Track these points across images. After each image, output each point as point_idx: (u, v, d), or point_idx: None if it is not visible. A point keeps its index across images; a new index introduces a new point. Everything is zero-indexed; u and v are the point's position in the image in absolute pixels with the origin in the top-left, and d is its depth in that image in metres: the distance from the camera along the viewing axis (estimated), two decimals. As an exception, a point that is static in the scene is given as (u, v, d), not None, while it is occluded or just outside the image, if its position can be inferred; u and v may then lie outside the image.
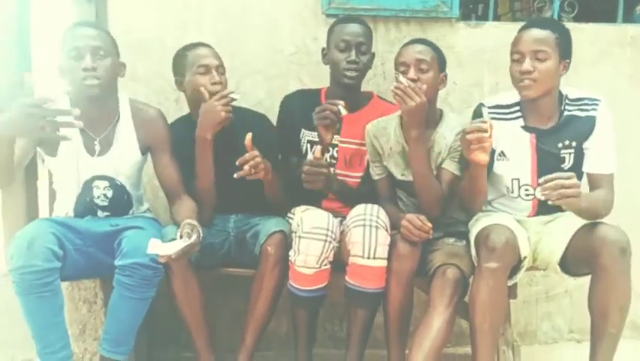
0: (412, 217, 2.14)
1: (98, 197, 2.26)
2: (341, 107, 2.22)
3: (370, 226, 2.12)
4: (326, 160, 2.38)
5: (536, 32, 2.13)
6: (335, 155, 2.45)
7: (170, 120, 2.40)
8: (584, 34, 2.45)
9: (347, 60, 2.35)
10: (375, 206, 2.21)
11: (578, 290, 2.80)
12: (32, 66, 2.73)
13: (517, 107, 2.24)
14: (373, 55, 2.46)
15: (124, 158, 2.27)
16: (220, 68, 2.34)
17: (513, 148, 2.23)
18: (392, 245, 2.15)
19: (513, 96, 2.24)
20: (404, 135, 2.30)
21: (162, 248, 1.98)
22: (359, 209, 2.19)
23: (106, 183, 2.25)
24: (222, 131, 2.26)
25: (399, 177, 2.36)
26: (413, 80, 2.16)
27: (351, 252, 2.14)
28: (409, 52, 2.24)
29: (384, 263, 2.13)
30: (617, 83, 2.73)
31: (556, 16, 2.83)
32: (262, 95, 2.52)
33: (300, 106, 2.46)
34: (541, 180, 1.94)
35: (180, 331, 2.28)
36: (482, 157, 2.04)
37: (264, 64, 2.47)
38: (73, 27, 2.21)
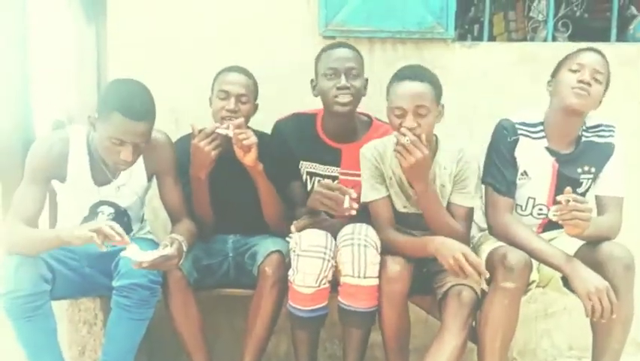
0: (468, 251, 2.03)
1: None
2: (347, 198, 2.11)
3: (359, 245, 2.09)
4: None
5: (599, 56, 2.18)
6: None
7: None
8: (578, 53, 2.49)
9: (337, 86, 2.24)
10: (364, 225, 2.16)
11: (577, 307, 2.78)
12: (32, 87, 2.74)
13: (541, 127, 2.24)
14: (366, 80, 2.34)
15: (130, 185, 2.27)
16: (243, 97, 2.32)
17: (535, 168, 2.24)
18: (382, 266, 2.11)
19: (537, 115, 2.26)
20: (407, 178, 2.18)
21: (137, 255, 1.98)
22: (347, 229, 2.16)
23: (111, 210, 2.26)
24: (222, 153, 2.26)
25: (401, 209, 2.27)
26: (412, 128, 2.04)
27: (342, 272, 2.12)
28: (406, 96, 2.06)
29: (375, 282, 2.10)
30: (612, 101, 2.74)
31: (550, 36, 2.86)
32: (260, 115, 2.53)
33: (296, 134, 2.38)
34: (559, 198, 1.94)
35: (180, 352, 2.27)
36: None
37: (261, 85, 2.49)
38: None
